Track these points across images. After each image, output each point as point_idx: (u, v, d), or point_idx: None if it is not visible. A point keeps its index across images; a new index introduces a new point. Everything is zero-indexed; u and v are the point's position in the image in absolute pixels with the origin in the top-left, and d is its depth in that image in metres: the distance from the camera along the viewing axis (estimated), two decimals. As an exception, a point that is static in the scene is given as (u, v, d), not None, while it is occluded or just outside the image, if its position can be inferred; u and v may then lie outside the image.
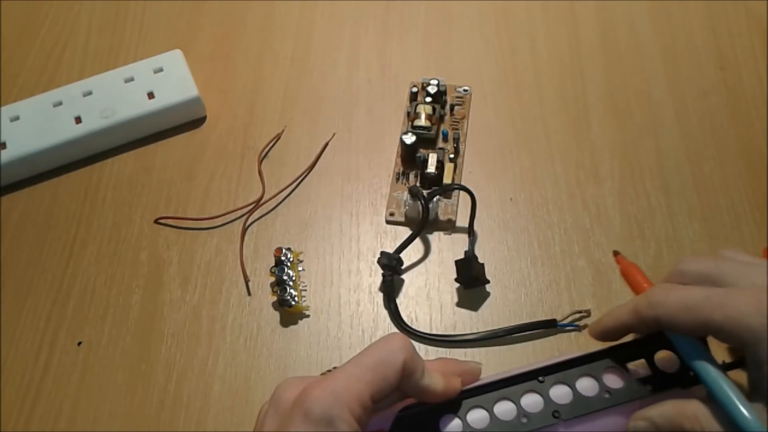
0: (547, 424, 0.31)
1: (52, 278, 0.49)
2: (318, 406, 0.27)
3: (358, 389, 0.28)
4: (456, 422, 0.31)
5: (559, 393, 0.32)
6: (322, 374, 0.41)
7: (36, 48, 0.60)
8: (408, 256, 0.48)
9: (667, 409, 0.30)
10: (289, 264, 0.47)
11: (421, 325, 0.46)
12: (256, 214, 0.51)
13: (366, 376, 0.29)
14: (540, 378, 0.32)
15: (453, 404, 0.31)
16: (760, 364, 0.28)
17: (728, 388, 0.29)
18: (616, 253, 0.44)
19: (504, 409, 0.31)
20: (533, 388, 0.32)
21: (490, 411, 0.31)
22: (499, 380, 0.32)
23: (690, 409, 0.30)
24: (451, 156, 0.51)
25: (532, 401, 0.32)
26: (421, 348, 0.45)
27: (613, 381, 0.32)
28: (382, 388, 0.29)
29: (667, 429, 0.30)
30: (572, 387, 0.32)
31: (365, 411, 0.28)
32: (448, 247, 0.49)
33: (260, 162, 0.53)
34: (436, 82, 0.53)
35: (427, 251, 0.49)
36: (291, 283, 0.46)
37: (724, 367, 0.31)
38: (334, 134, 0.54)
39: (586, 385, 0.32)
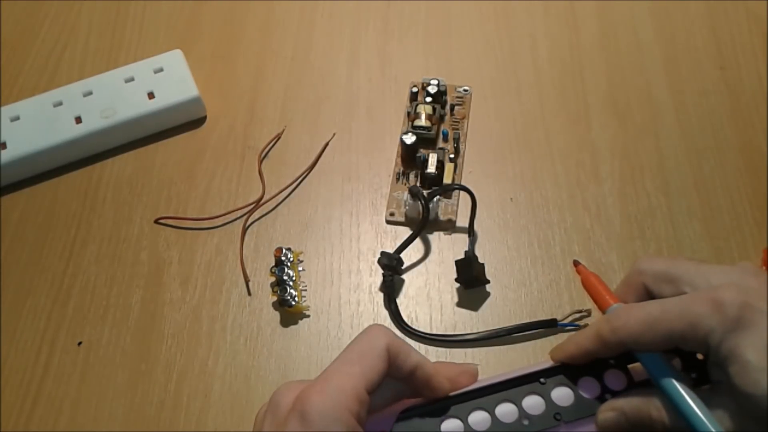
0: (548, 426, 0.31)
1: (52, 278, 0.49)
2: (315, 409, 0.27)
3: (351, 385, 0.28)
4: (457, 423, 0.31)
5: (561, 395, 0.32)
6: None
7: (36, 48, 0.60)
8: (408, 256, 0.48)
9: (634, 399, 0.30)
10: (289, 264, 0.47)
11: (422, 325, 0.46)
12: (256, 214, 0.51)
13: (354, 369, 0.29)
14: (541, 380, 0.32)
15: (454, 406, 0.31)
16: (720, 364, 0.28)
17: (695, 406, 0.28)
18: (576, 263, 0.38)
19: (505, 410, 0.31)
20: (535, 390, 0.32)
21: (492, 413, 0.31)
22: (500, 382, 0.32)
23: (657, 398, 0.30)
24: (451, 156, 0.51)
25: (533, 403, 0.32)
26: (421, 348, 0.45)
27: (614, 383, 0.32)
28: (373, 377, 0.29)
29: (634, 418, 0.30)
30: (574, 389, 0.32)
31: (362, 405, 0.28)
32: (448, 247, 0.49)
33: (260, 162, 0.53)
34: (436, 82, 0.53)
35: (427, 251, 0.49)
36: (291, 283, 0.46)
37: (693, 381, 0.30)
38: (334, 134, 0.54)
39: (587, 387, 0.32)
